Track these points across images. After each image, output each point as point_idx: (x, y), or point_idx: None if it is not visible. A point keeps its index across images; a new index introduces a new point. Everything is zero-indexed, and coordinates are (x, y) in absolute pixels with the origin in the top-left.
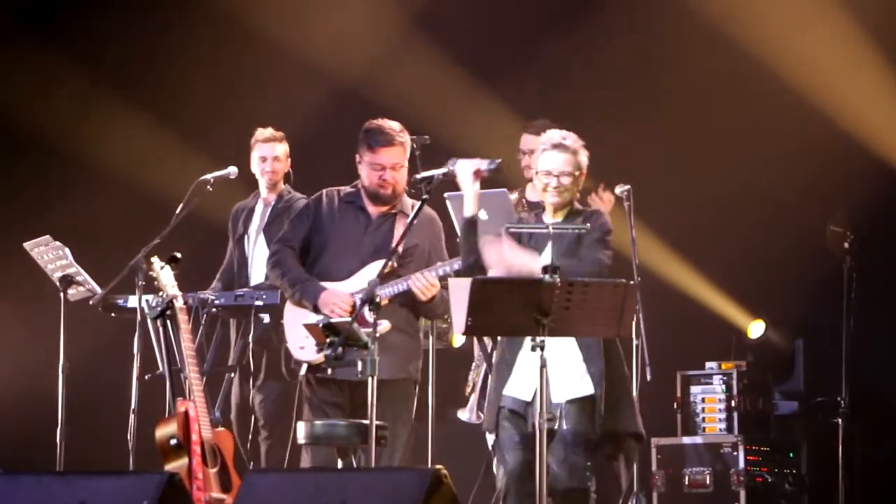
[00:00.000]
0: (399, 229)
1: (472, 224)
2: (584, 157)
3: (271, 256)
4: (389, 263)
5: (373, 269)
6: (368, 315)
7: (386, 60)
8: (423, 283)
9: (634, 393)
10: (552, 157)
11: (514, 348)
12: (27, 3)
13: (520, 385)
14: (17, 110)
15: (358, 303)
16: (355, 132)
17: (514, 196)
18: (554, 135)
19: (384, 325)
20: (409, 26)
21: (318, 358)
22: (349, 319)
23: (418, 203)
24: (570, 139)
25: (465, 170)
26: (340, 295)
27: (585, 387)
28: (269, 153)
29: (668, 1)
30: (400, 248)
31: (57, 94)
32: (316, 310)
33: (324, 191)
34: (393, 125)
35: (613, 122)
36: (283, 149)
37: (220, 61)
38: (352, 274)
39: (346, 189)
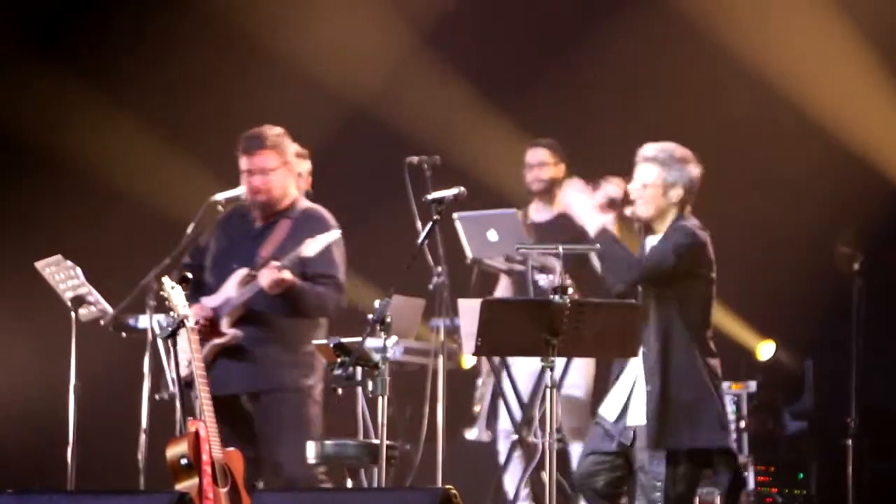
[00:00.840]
0: (279, 234)
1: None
2: (675, 171)
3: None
4: (251, 270)
5: (235, 279)
6: (225, 328)
7: (395, 79)
8: (266, 277)
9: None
10: (637, 170)
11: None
12: (39, 22)
13: (610, 405)
14: (28, 130)
15: (221, 314)
16: (365, 151)
17: (518, 213)
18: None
19: (232, 336)
20: (418, 45)
21: (189, 374)
22: (359, 339)
23: (315, 207)
24: (656, 149)
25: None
26: (202, 307)
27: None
28: (303, 169)
29: (679, 24)
30: (265, 255)
31: (68, 115)
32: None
33: (231, 207)
34: (266, 129)
35: (622, 141)
36: (306, 166)
37: (231, 80)
38: (223, 284)
39: (244, 202)
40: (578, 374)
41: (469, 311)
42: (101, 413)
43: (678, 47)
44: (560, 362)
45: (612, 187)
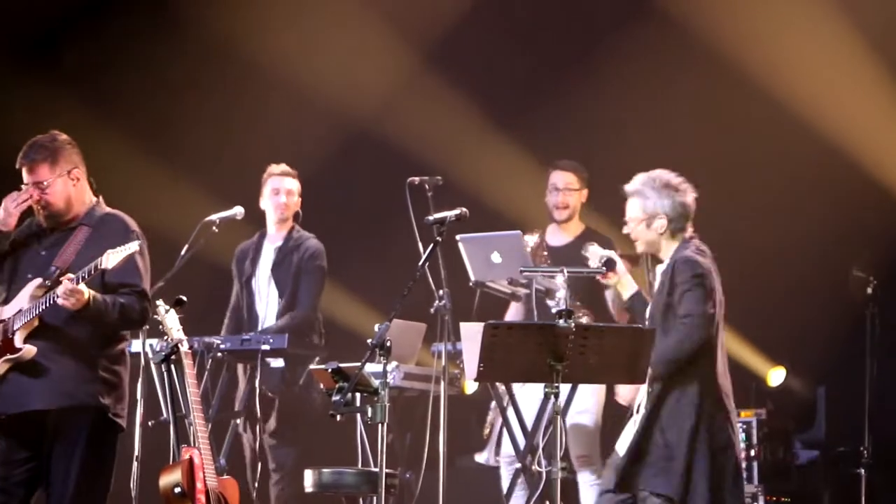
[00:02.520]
0: (77, 242)
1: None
2: (654, 201)
3: None
4: (45, 281)
5: (27, 291)
6: (18, 342)
7: (397, 99)
8: (61, 290)
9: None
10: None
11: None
12: (29, 39)
13: (623, 440)
14: (13, 147)
15: (11, 328)
16: (367, 172)
17: (534, 237)
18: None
19: (26, 350)
20: (420, 65)
21: None
22: (358, 364)
23: (114, 213)
24: (637, 182)
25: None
26: None
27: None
28: (281, 185)
29: (691, 45)
30: (59, 265)
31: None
32: None
33: (29, 218)
34: (43, 139)
35: (630, 163)
36: (296, 184)
37: (227, 100)
38: (15, 296)
39: None
40: (588, 400)
41: (471, 335)
42: None
43: (690, 68)
44: (566, 388)
45: (593, 251)
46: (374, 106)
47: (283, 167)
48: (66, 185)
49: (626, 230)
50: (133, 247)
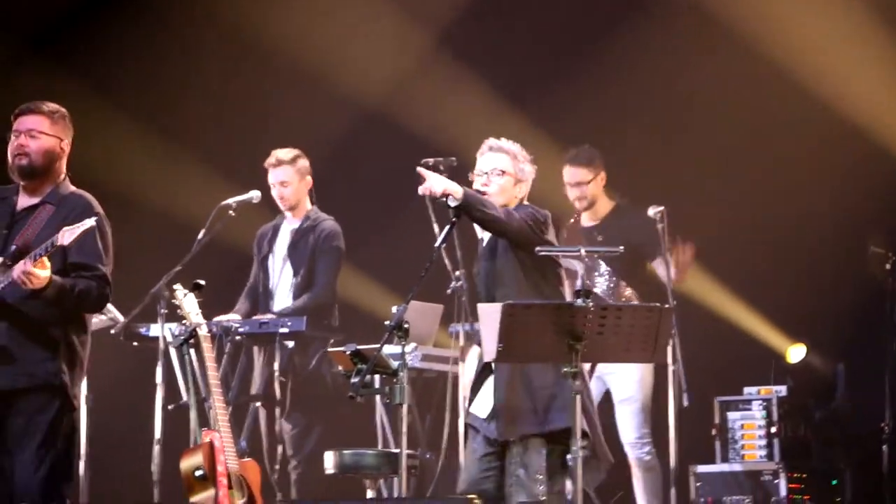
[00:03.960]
0: (39, 221)
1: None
2: (525, 166)
3: None
4: (6, 260)
5: None
6: None
7: (410, 80)
8: (17, 272)
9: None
10: (485, 158)
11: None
12: (39, 29)
13: (480, 402)
14: None
15: None
16: (381, 153)
17: (570, 222)
18: (491, 140)
19: None
20: (433, 45)
21: None
22: (377, 346)
23: (78, 192)
24: (508, 143)
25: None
26: None
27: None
28: (275, 179)
29: (704, 22)
30: (19, 243)
31: (73, 120)
32: None
33: None
34: (51, 103)
35: (647, 142)
36: (290, 172)
37: (241, 83)
38: None
39: (8, 186)
40: (630, 387)
41: (490, 315)
42: (114, 424)
43: (707, 46)
44: (613, 377)
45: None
46: (387, 87)
47: (275, 157)
48: (55, 147)
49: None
50: (89, 223)
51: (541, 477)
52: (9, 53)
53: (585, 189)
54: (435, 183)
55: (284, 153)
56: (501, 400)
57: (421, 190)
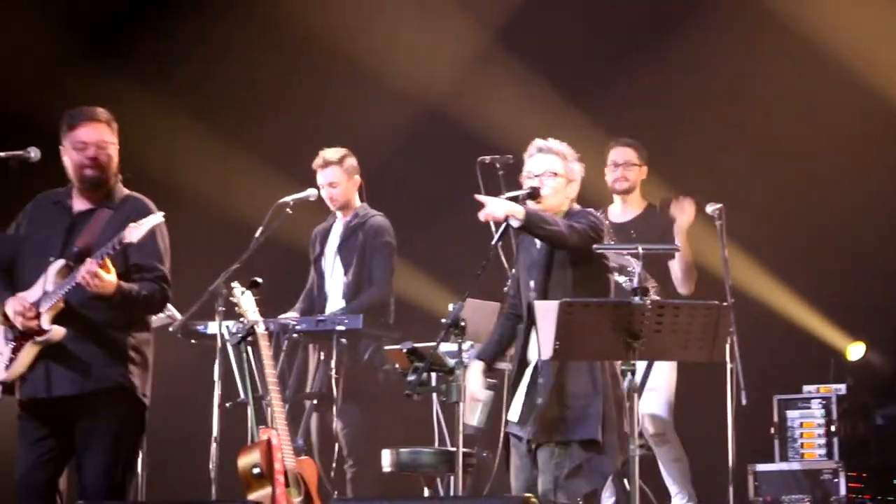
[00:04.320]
0: (98, 224)
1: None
2: (575, 165)
3: None
4: (67, 263)
5: (51, 272)
6: (46, 325)
7: (468, 78)
8: (82, 273)
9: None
10: (535, 160)
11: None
12: (99, 27)
13: (513, 407)
14: None
15: (40, 311)
16: (438, 151)
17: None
18: (540, 141)
19: (54, 331)
20: (491, 43)
21: (8, 376)
22: (434, 344)
23: (135, 195)
24: (556, 144)
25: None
26: (21, 301)
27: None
28: (323, 180)
29: (762, 17)
30: (81, 245)
31: (130, 118)
32: (10, 323)
33: (40, 194)
34: (99, 108)
35: (705, 139)
36: (338, 172)
37: (299, 81)
38: (38, 277)
39: (58, 190)
40: (660, 377)
41: (546, 313)
42: (171, 422)
43: (763, 41)
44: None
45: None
46: (444, 84)
47: (324, 156)
48: (115, 155)
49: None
50: (156, 218)
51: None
52: (65, 52)
53: (631, 171)
54: (495, 208)
55: (331, 153)
56: (543, 404)
57: (482, 216)
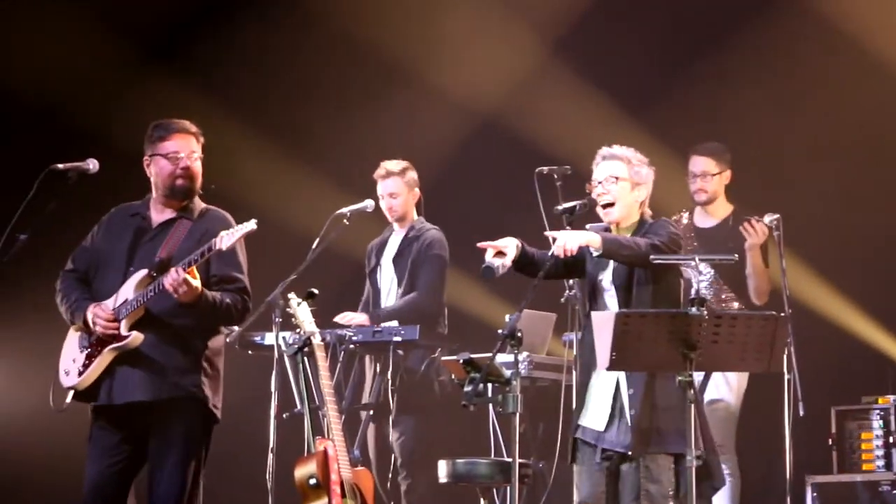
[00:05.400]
0: (179, 234)
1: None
2: (641, 169)
3: (57, 289)
4: (149, 272)
5: (133, 281)
6: (124, 331)
7: (525, 88)
8: (170, 279)
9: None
10: (599, 167)
11: (587, 371)
12: (157, 37)
13: (593, 414)
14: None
15: (119, 318)
16: (495, 162)
17: (683, 217)
18: (604, 148)
19: (133, 338)
20: (549, 53)
21: (81, 382)
22: (490, 355)
23: (213, 208)
24: (621, 149)
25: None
26: (103, 308)
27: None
28: (384, 190)
29: (823, 29)
30: (163, 255)
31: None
32: (88, 330)
33: (115, 207)
34: (186, 121)
35: (764, 149)
36: (399, 183)
37: (356, 91)
38: (120, 286)
39: (134, 203)
40: (725, 387)
41: (603, 323)
42: (229, 432)
43: (828, 57)
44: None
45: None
46: (501, 96)
47: (384, 168)
48: (200, 165)
49: (603, 189)
50: (249, 226)
51: (671, 493)
52: (128, 62)
53: (708, 182)
54: (569, 241)
55: (393, 164)
56: (636, 415)
57: (557, 251)
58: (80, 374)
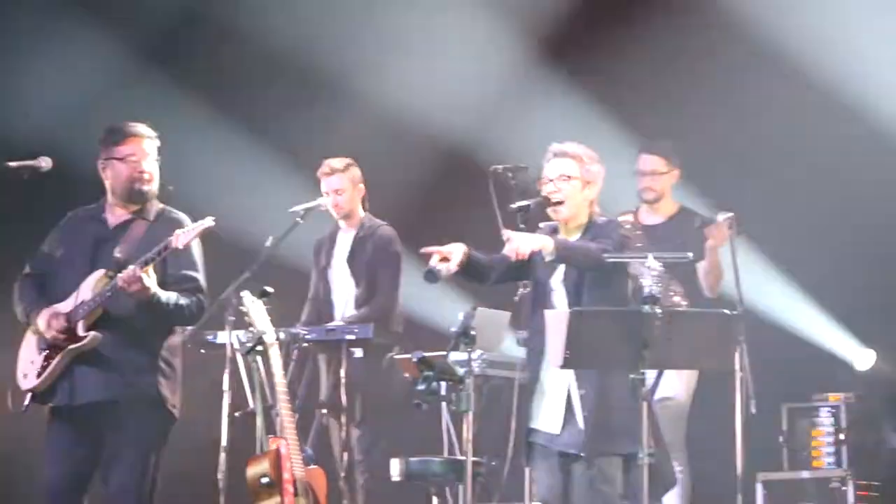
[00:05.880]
0: (135, 235)
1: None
2: (592, 166)
3: (14, 292)
4: (105, 272)
5: (90, 282)
6: (81, 331)
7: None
8: (124, 277)
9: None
10: (551, 164)
11: (535, 371)
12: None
13: (546, 417)
14: None
15: (74, 318)
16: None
17: (628, 217)
18: (555, 145)
19: (91, 338)
20: (502, 52)
21: (40, 383)
22: (443, 353)
23: (170, 208)
24: (573, 146)
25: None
26: (55, 314)
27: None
28: (328, 187)
29: (780, 22)
30: (120, 255)
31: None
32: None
33: (70, 212)
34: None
35: (717, 145)
36: (343, 180)
37: (308, 90)
38: (75, 289)
39: (89, 206)
40: (674, 386)
41: (557, 322)
42: (180, 431)
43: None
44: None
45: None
46: (454, 95)
47: (330, 164)
48: (156, 167)
49: (555, 187)
50: (206, 222)
51: (621, 493)
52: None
53: (657, 180)
54: (522, 244)
55: (337, 162)
56: (589, 416)
57: (509, 252)
58: (39, 375)
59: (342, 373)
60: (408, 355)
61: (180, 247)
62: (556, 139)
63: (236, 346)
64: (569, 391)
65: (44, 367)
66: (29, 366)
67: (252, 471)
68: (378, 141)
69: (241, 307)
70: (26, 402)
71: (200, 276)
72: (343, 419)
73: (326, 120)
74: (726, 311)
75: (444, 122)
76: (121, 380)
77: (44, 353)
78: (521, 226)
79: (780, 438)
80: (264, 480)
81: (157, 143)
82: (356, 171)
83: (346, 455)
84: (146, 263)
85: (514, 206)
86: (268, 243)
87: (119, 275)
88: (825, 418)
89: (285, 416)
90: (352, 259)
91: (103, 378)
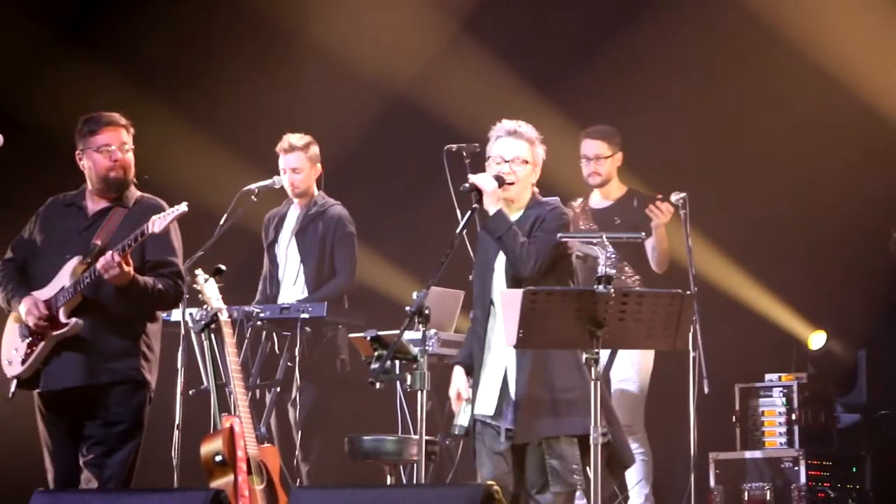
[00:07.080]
0: (114, 222)
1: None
2: (539, 149)
3: None
4: (85, 258)
5: (68, 268)
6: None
7: (434, 66)
8: (102, 262)
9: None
10: (505, 143)
11: (480, 351)
12: (67, 12)
13: (482, 400)
14: (49, 118)
15: (55, 305)
16: (404, 139)
17: (577, 202)
18: (508, 123)
19: (74, 325)
20: (458, 30)
21: (25, 370)
22: (397, 332)
23: (147, 195)
24: (525, 128)
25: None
26: (37, 303)
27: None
28: (286, 165)
29: (733, 9)
30: (99, 242)
31: (95, 105)
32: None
33: (51, 198)
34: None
35: (670, 128)
36: (301, 158)
37: (265, 69)
38: (55, 276)
39: (69, 193)
40: (629, 368)
41: (510, 301)
42: None
43: (731, 32)
44: (605, 354)
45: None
46: (410, 73)
47: (290, 140)
48: (132, 155)
49: (510, 169)
50: (180, 208)
51: (576, 467)
52: (36, 42)
53: (602, 164)
54: (485, 181)
55: (297, 139)
56: (521, 398)
57: (470, 177)
58: (23, 362)
59: (297, 351)
60: (362, 334)
61: (157, 231)
62: (500, 117)
63: (190, 324)
64: (505, 373)
65: (28, 354)
66: (13, 353)
67: (206, 449)
68: (324, 88)
69: (194, 285)
70: (13, 389)
71: (177, 260)
72: (295, 398)
73: (281, 94)
74: (679, 291)
75: (389, 69)
76: (103, 365)
77: (27, 341)
78: (475, 205)
79: (733, 418)
80: (218, 458)
81: (132, 131)
82: (315, 150)
83: (300, 433)
84: (124, 249)
85: (466, 185)
86: (222, 222)
87: (98, 261)
88: (777, 398)
89: (239, 395)
90: (300, 236)
91: (85, 363)
